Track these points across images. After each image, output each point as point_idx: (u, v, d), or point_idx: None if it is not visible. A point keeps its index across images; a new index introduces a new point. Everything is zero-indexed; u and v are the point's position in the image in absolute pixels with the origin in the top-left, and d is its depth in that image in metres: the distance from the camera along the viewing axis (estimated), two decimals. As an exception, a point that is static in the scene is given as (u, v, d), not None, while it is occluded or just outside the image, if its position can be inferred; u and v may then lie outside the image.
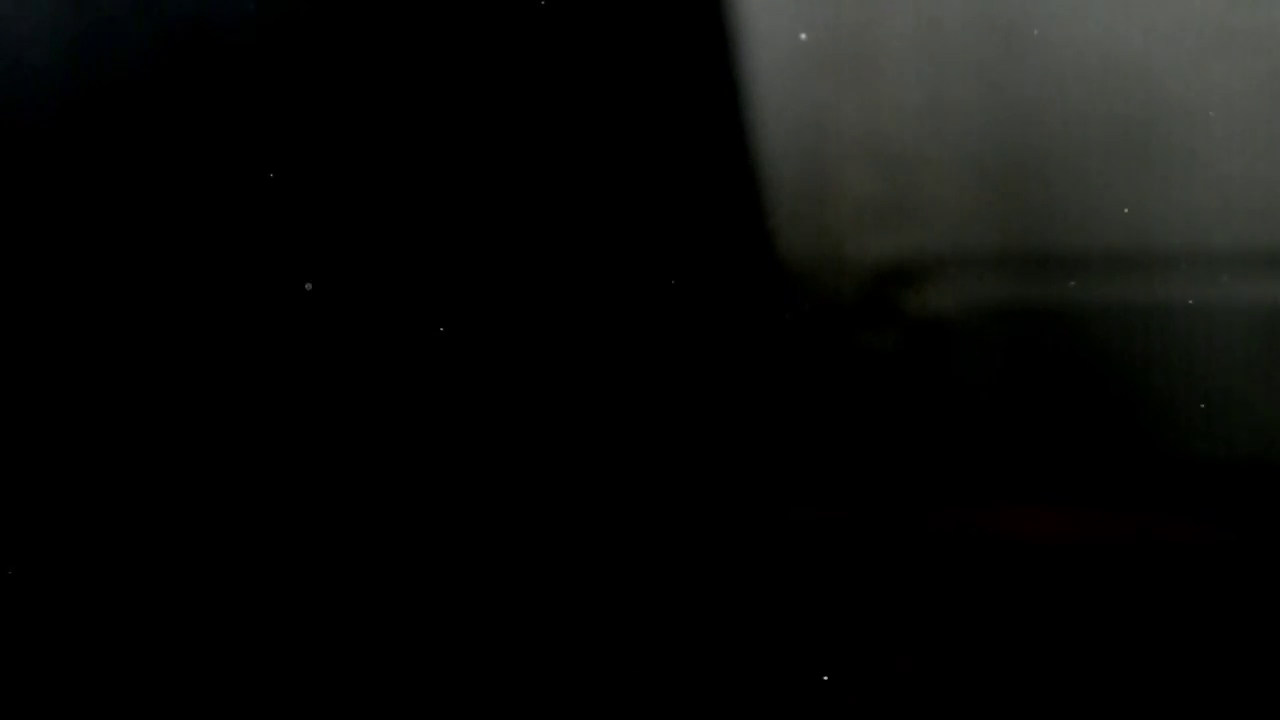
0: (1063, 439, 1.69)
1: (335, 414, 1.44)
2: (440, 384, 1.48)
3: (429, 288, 1.48)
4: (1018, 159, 1.62)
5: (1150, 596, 1.51)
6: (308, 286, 1.25)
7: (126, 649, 1.38)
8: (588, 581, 1.53)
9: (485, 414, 1.51)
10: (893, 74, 1.65)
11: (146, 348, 1.37)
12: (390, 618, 1.46)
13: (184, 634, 1.39)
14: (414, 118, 1.46)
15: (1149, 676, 1.44)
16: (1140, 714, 1.41)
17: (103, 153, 1.34)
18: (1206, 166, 1.57)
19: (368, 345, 1.45)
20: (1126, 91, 1.57)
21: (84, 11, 1.32)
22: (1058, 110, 1.60)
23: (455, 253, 1.49)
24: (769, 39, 1.68)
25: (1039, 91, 1.60)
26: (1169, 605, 1.50)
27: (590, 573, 1.54)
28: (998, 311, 1.68)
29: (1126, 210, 1.60)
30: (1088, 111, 1.59)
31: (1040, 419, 1.69)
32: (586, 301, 1.56)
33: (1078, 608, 1.51)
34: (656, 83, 1.60)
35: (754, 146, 1.69)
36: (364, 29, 1.41)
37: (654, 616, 1.52)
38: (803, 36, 1.58)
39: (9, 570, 1.33)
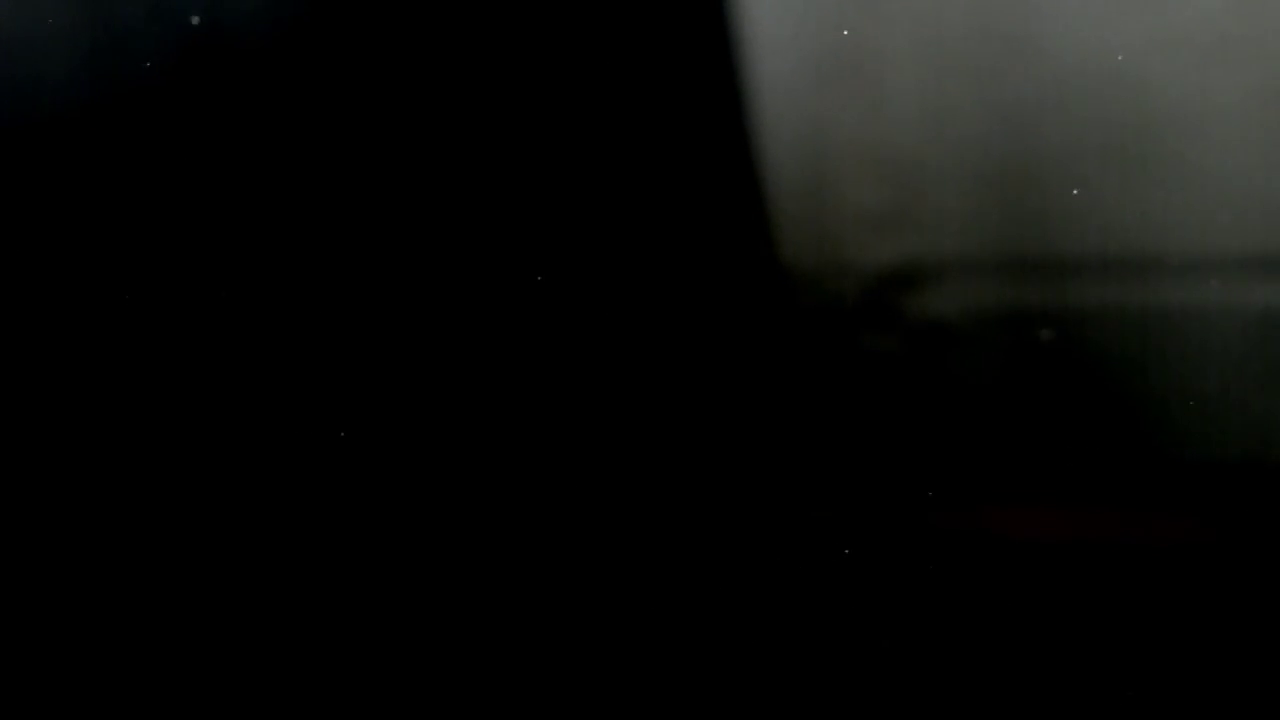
0: (1062, 440, 1.69)
1: (342, 415, 1.45)
2: (444, 386, 1.49)
3: (435, 289, 1.48)
4: (1017, 166, 1.63)
5: (1150, 596, 1.51)
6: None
7: (126, 649, 1.38)
8: (589, 581, 1.54)
9: (495, 417, 1.51)
10: (894, 82, 1.65)
11: (160, 346, 1.38)
12: (393, 618, 1.46)
13: (184, 634, 1.39)
14: (423, 122, 1.46)
15: (1148, 676, 1.44)
16: (1139, 714, 1.41)
17: (116, 160, 1.35)
18: (1203, 173, 1.57)
19: (372, 346, 1.46)
20: (1124, 99, 1.57)
21: (98, 21, 1.33)
22: (1056, 118, 1.60)
23: (461, 255, 1.49)
24: (772, 47, 1.69)
25: (1038, 99, 1.60)
26: (1169, 605, 1.50)
27: (592, 573, 1.54)
28: (997, 315, 1.69)
29: (1124, 216, 1.61)
30: (1086, 119, 1.59)
31: (1040, 420, 1.69)
32: (592, 306, 1.56)
33: (1078, 608, 1.51)
34: (661, 90, 1.60)
35: (757, 153, 1.69)
36: (373, 33, 1.42)
37: (654, 617, 1.53)
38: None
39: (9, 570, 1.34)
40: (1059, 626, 1.49)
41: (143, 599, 1.38)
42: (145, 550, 1.38)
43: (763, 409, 1.68)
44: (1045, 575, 1.55)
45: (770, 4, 1.67)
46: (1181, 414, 1.63)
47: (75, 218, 1.34)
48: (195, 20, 1.28)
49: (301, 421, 1.43)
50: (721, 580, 1.57)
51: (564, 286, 1.54)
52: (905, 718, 1.43)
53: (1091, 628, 1.48)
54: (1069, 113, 1.60)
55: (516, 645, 1.49)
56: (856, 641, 1.51)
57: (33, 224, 1.33)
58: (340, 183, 1.42)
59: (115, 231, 1.36)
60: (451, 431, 1.49)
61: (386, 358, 1.46)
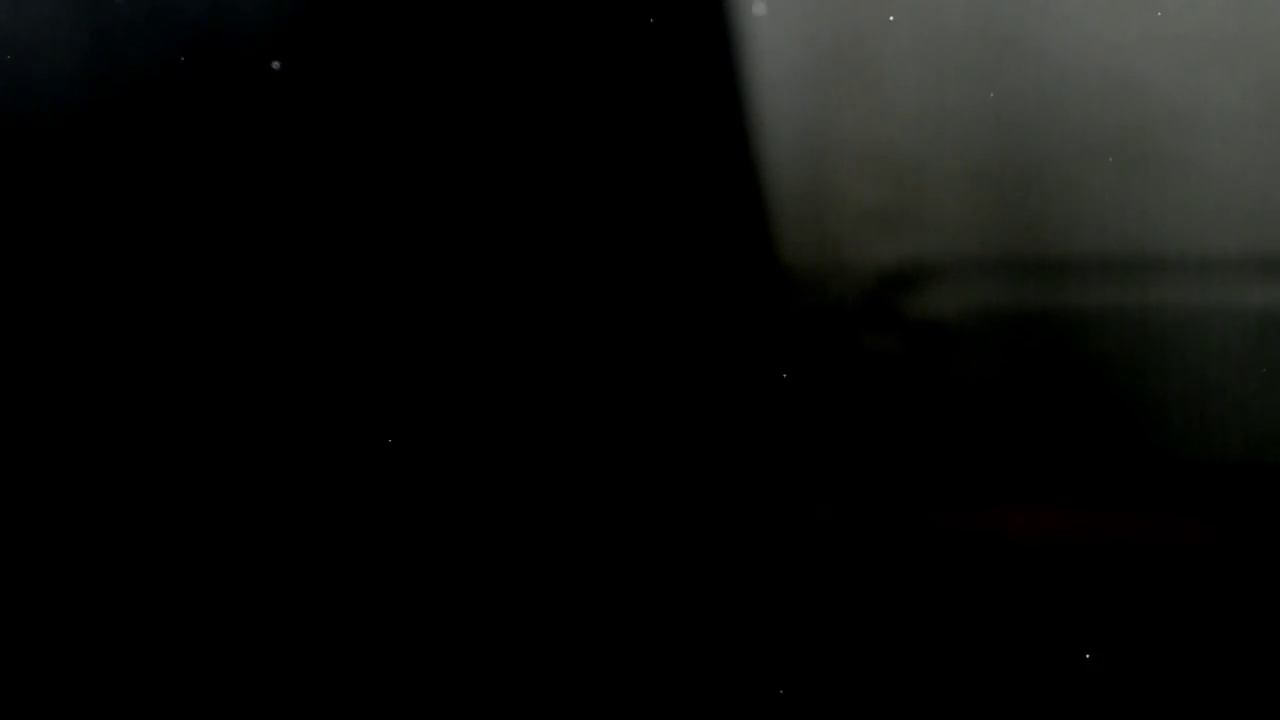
0: (1062, 440, 1.69)
1: (342, 415, 1.45)
2: (445, 386, 1.49)
3: (436, 289, 1.48)
4: (1017, 166, 1.63)
5: (1150, 596, 1.51)
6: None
7: (126, 649, 1.38)
8: (589, 580, 1.54)
9: (496, 417, 1.51)
10: (894, 83, 1.65)
11: (161, 349, 1.38)
12: (393, 618, 1.47)
13: (184, 634, 1.39)
14: (425, 123, 1.46)
15: (1149, 676, 1.44)
16: (1140, 714, 1.41)
17: (120, 161, 1.35)
18: (1202, 173, 1.57)
19: (372, 346, 1.46)
20: (1123, 99, 1.58)
21: (100, 21, 1.33)
22: (1056, 118, 1.60)
23: (464, 256, 1.50)
24: (772, 47, 1.69)
25: (1038, 100, 1.60)
26: (1169, 605, 1.50)
27: (593, 572, 1.54)
28: (997, 315, 1.69)
29: (1123, 216, 1.61)
30: (1085, 119, 1.60)
31: (1040, 421, 1.70)
32: (592, 306, 1.57)
33: (1078, 608, 1.51)
34: (662, 91, 1.61)
35: (758, 153, 1.69)
36: (373, 33, 1.42)
37: (654, 616, 1.53)
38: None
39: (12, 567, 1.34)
40: (1059, 626, 1.49)
41: (143, 599, 1.39)
42: (146, 551, 1.39)
43: (763, 409, 1.68)
44: (1045, 575, 1.55)
45: (770, 4, 1.67)
46: (1181, 414, 1.63)
47: (76, 219, 1.35)
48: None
49: (304, 422, 1.43)
50: (721, 580, 1.57)
51: (563, 286, 1.54)
52: (905, 718, 1.44)
53: (1092, 628, 1.48)
54: (1069, 113, 1.60)
55: (516, 645, 1.49)
56: (856, 641, 1.51)
57: (33, 225, 1.33)
58: (340, 183, 1.43)
59: (116, 233, 1.36)
60: (452, 431, 1.50)
61: (387, 357, 1.46)
